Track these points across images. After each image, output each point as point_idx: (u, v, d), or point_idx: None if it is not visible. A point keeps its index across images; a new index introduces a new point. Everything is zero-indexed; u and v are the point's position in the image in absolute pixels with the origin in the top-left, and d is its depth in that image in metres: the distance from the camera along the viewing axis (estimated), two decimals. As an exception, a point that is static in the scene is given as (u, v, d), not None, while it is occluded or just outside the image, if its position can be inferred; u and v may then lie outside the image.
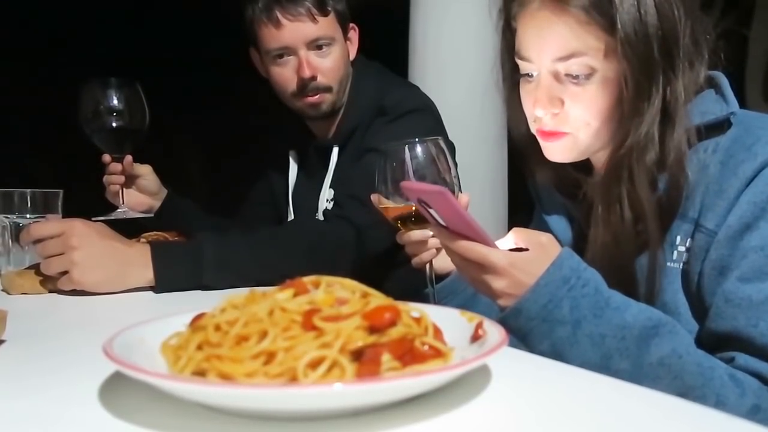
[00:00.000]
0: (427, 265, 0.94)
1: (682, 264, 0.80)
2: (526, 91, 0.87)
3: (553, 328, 0.73)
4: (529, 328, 0.74)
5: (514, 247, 0.77)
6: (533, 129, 0.88)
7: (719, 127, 0.80)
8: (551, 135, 0.85)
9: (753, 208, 0.74)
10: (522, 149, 0.96)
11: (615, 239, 0.83)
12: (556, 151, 0.86)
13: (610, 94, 0.80)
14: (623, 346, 0.72)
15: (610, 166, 0.84)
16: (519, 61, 0.86)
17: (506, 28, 0.90)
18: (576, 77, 0.81)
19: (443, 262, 0.97)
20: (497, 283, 0.75)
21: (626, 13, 0.76)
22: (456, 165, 1.22)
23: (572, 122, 0.83)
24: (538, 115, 0.84)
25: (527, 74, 0.86)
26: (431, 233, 0.91)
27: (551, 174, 0.95)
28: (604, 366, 0.72)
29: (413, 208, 0.87)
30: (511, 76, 0.91)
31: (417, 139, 0.88)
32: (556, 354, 0.73)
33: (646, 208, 0.80)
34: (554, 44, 0.80)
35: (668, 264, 0.81)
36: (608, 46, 0.78)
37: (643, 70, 0.78)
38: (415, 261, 0.96)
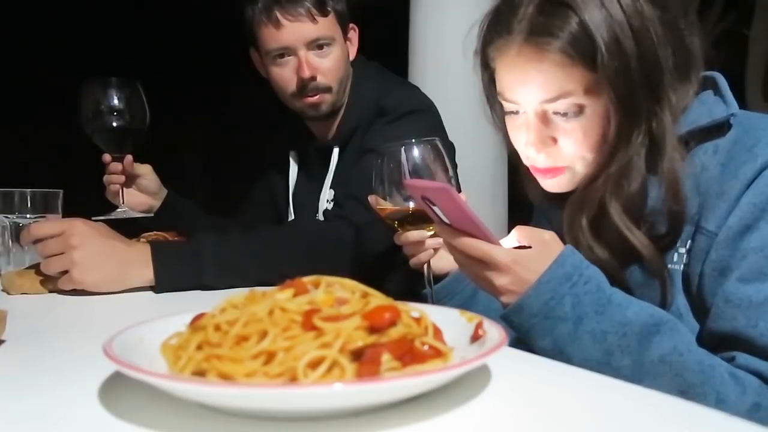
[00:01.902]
0: (425, 266, 0.94)
1: (682, 266, 0.80)
2: (513, 128, 0.86)
3: (554, 324, 0.73)
4: (530, 325, 0.75)
5: (517, 244, 0.78)
6: (527, 163, 0.87)
7: (719, 128, 0.80)
8: (548, 171, 0.85)
9: (753, 209, 0.74)
10: (517, 165, 0.95)
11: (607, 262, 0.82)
12: (554, 186, 0.86)
13: (601, 126, 0.80)
14: (624, 343, 0.72)
15: (572, 199, 0.84)
16: (503, 101, 0.85)
17: (485, 66, 0.88)
18: (564, 114, 0.80)
19: (441, 263, 0.97)
20: (500, 280, 0.75)
21: (606, 51, 0.75)
22: (455, 166, 1.22)
23: (568, 157, 0.82)
24: (530, 155, 0.84)
25: (512, 111, 0.85)
26: (429, 234, 0.91)
27: (546, 193, 0.95)
28: (605, 363, 0.72)
29: (411, 208, 0.87)
30: (501, 107, 0.90)
31: (414, 140, 0.88)
32: (558, 351, 0.73)
33: (627, 237, 0.79)
34: (539, 89, 0.79)
35: (669, 266, 0.81)
36: (593, 82, 0.77)
37: (626, 106, 0.77)
38: (413, 261, 0.96)
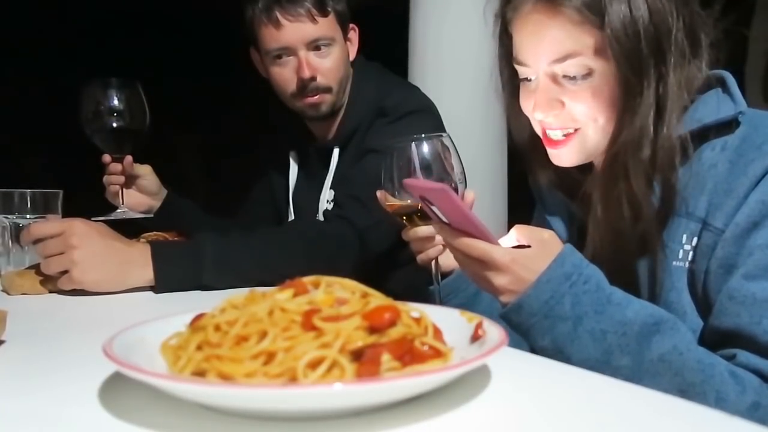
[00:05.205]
0: (433, 262, 0.94)
1: (687, 263, 0.80)
2: (525, 95, 0.87)
3: (554, 324, 0.73)
4: (530, 324, 0.75)
5: (516, 244, 0.78)
6: (538, 130, 0.88)
7: (727, 125, 0.80)
8: (558, 143, 0.85)
9: (761, 207, 0.74)
10: (523, 153, 0.96)
11: (615, 239, 0.83)
12: (564, 157, 0.86)
13: (611, 90, 0.80)
14: (624, 343, 0.72)
15: (606, 164, 0.84)
16: (517, 66, 0.86)
17: (503, 34, 0.90)
18: (573, 78, 0.81)
19: (448, 260, 0.97)
20: (499, 280, 0.75)
21: (615, 11, 0.76)
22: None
23: (579, 118, 0.83)
24: (537, 118, 0.85)
25: (526, 78, 0.86)
26: None
27: (553, 176, 0.95)
28: (604, 362, 0.72)
29: (420, 204, 0.87)
30: (511, 82, 0.92)
31: (423, 136, 0.88)
32: (557, 350, 0.73)
33: (643, 206, 0.80)
34: (549, 47, 0.81)
35: (674, 263, 0.81)
36: (602, 43, 0.78)
37: (632, 67, 0.78)
38: (420, 257, 0.95)
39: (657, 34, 0.78)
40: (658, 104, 0.79)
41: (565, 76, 0.81)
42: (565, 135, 0.85)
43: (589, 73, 0.80)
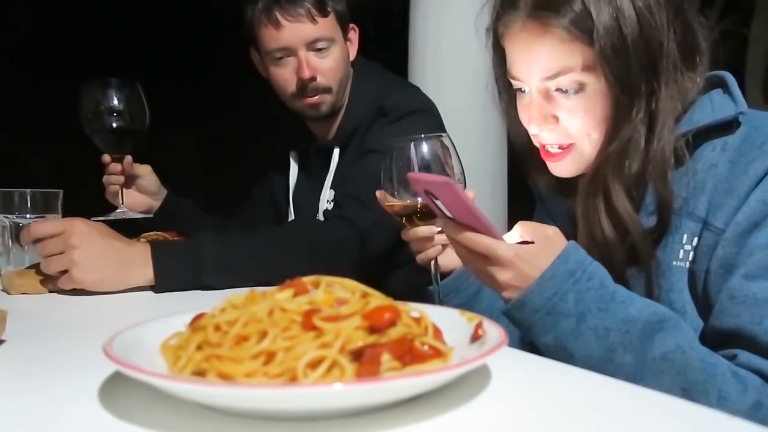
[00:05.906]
0: (432, 262, 0.94)
1: (688, 263, 0.80)
2: (521, 106, 0.88)
3: (557, 320, 0.73)
4: (533, 321, 0.74)
5: (520, 240, 0.78)
6: (535, 142, 0.88)
7: (728, 126, 0.80)
8: (555, 156, 0.85)
9: (762, 207, 0.74)
10: (522, 159, 0.96)
11: (600, 251, 0.83)
12: (561, 169, 0.87)
13: (603, 104, 0.81)
14: (627, 340, 0.72)
15: (586, 179, 0.84)
16: (511, 79, 0.87)
17: (496, 45, 0.90)
18: (566, 92, 0.81)
19: (448, 260, 0.97)
20: (502, 275, 0.75)
21: (604, 28, 0.76)
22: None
23: (574, 134, 0.83)
24: (533, 132, 0.85)
25: (521, 90, 0.86)
26: (437, 229, 0.91)
27: (551, 181, 0.95)
28: (607, 359, 0.72)
29: (419, 204, 0.87)
30: (507, 90, 0.92)
31: (423, 136, 0.88)
32: (560, 347, 0.73)
33: (627, 221, 0.80)
34: (540, 64, 0.81)
35: (674, 263, 0.81)
36: (593, 59, 0.78)
37: (622, 85, 0.78)
38: (420, 257, 0.95)
39: (648, 50, 0.78)
40: (650, 118, 0.80)
41: (558, 90, 0.81)
42: (561, 148, 0.85)
43: (581, 88, 0.80)
